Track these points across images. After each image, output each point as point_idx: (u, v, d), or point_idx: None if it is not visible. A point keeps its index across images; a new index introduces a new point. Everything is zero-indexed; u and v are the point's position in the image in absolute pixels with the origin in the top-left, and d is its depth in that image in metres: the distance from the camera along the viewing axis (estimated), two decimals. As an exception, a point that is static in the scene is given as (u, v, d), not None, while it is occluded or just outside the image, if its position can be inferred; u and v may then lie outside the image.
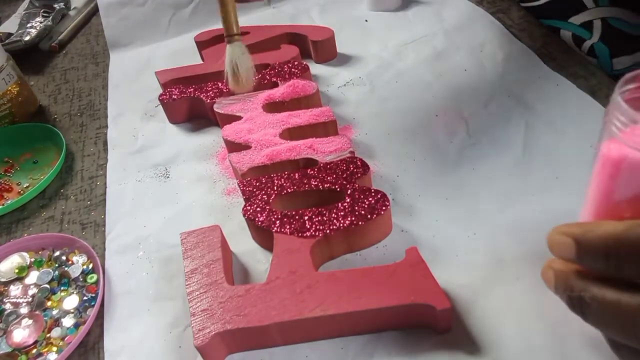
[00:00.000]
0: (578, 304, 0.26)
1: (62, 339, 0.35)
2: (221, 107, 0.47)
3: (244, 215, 0.37)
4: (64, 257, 0.40)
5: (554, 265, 0.28)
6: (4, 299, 0.38)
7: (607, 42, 0.50)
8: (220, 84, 0.50)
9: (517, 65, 0.49)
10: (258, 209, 0.37)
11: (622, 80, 0.25)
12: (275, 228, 0.36)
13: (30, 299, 0.38)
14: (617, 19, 0.48)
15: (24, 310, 0.37)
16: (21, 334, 0.36)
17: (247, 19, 0.65)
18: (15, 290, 0.39)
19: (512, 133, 0.43)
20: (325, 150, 0.40)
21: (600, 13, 0.49)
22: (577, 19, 0.51)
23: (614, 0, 0.48)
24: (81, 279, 0.39)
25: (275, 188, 0.38)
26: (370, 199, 0.36)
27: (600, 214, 0.27)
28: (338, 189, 0.37)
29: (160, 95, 0.51)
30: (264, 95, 0.47)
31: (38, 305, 0.37)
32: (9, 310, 0.37)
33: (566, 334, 0.30)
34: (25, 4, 0.77)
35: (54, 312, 0.37)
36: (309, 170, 0.39)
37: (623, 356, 0.28)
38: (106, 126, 0.54)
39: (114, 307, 0.37)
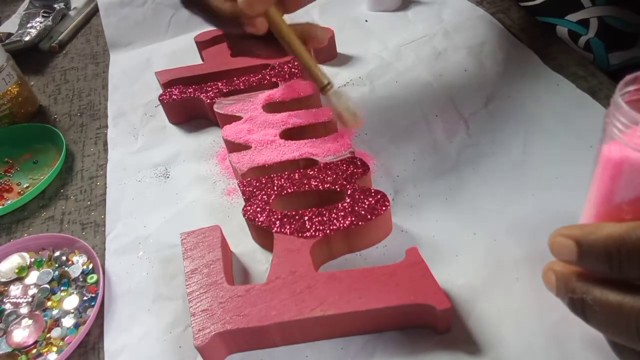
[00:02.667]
0: (580, 306, 0.26)
1: (62, 339, 0.35)
2: (221, 107, 0.47)
3: (244, 216, 0.37)
4: (64, 257, 0.40)
5: (555, 268, 0.28)
6: (4, 299, 0.38)
7: (602, 38, 0.50)
8: (220, 84, 0.50)
9: (517, 65, 0.49)
10: (258, 209, 0.37)
11: (623, 82, 0.25)
12: (275, 228, 0.36)
13: (30, 299, 0.38)
14: (614, 17, 0.48)
15: (24, 310, 0.37)
16: (21, 334, 0.36)
17: (247, 19, 0.65)
18: (15, 290, 0.39)
19: (512, 133, 0.43)
20: (325, 150, 0.40)
21: (596, 12, 0.49)
22: (573, 17, 0.51)
23: None
24: (81, 279, 0.39)
25: (275, 188, 0.38)
26: (370, 199, 0.36)
27: (602, 216, 0.27)
28: (338, 189, 0.37)
29: (160, 95, 0.51)
30: (264, 95, 0.47)
31: (38, 305, 0.37)
32: (9, 310, 0.37)
33: (566, 334, 0.30)
34: (25, 4, 0.77)
35: (54, 312, 0.37)
36: (309, 170, 0.39)
37: (625, 358, 0.28)
38: (106, 126, 0.54)
39: (114, 307, 0.37)
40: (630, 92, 0.25)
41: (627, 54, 0.50)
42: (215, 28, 0.41)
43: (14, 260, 0.41)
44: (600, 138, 0.26)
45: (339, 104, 0.39)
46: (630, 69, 0.26)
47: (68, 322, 0.36)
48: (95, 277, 0.39)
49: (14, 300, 0.38)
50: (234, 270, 0.37)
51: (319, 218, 0.36)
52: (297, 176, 0.39)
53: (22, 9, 0.77)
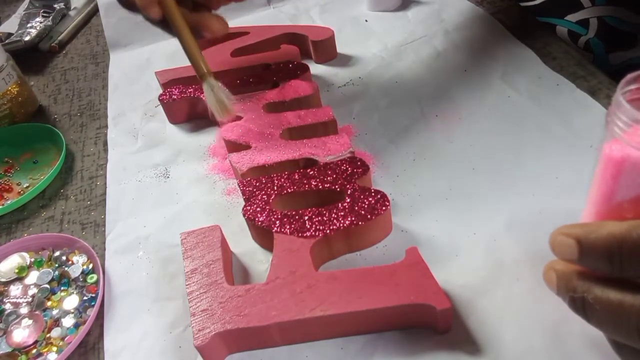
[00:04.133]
0: (580, 305, 0.26)
1: (62, 339, 0.35)
2: (221, 107, 0.47)
3: (244, 215, 0.37)
4: (64, 257, 0.40)
5: (556, 267, 0.28)
6: (4, 299, 0.38)
7: (602, 38, 0.50)
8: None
9: (517, 65, 0.49)
10: (258, 209, 0.37)
11: (624, 81, 0.25)
12: (275, 228, 0.36)
13: (30, 299, 0.38)
14: (613, 17, 0.48)
15: (24, 310, 0.37)
16: (21, 334, 0.36)
17: (247, 19, 0.65)
18: (15, 290, 0.39)
19: (512, 133, 0.43)
20: (325, 150, 0.40)
21: (596, 12, 0.49)
22: (573, 17, 0.51)
23: None
24: (81, 279, 0.39)
25: (275, 188, 0.38)
26: (370, 199, 0.36)
27: (603, 215, 0.27)
28: (338, 189, 0.37)
29: (160, 95, 0.51)
30: (264, 95, 0.47)
31: (38, 305, 0.37)
32: (9, 310, 0.37)
33: (566, 334, 0.30)
34: (25, 4, 0.77)
35: (54, 312, 0.37)
36: (309, 170, 0.39)
37: (625, 357, 0.28)
38: (106, 126, 0.54)
39: (114, 307, 0.37)
40: (631, 91, 0.25)
41: (627, 54, 0.50)
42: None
43: (14, 260, 0.41)
44: (601, 137, 0.26)
45: (210, 95, 0.41)
46: (630, 68, 0.26)
47: (68, 322, 0.36)
48: (95, 277, 0.39)
49: (14, 300, 0.38)
50: (234, 270, 0.37)
51: (319, 218, 0.36)
52: (297, 176, 0.39)
53: (22, 9, 0.77)
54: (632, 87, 0.25)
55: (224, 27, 0.43)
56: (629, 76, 0.25)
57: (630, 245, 0.24)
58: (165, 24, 0.41)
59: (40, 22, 0.71)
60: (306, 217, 0.36)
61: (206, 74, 0.41)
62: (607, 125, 0.25)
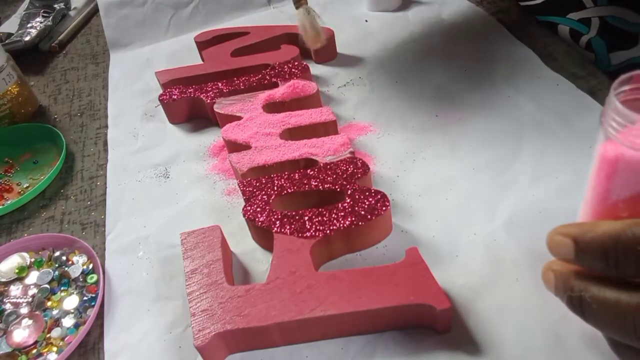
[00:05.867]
0: (578, 304, 0.27)
1: (62, 339, 0.35)
2: (221, 107, 0.47)
3: (244, 216, 0.37)
4: (64, 257, 0.40)
5: (554, 267, 0.29)
6: (4, 299, 0.38)
7: (603, 37, 0.50)
8: (220, 84, 0.50)
9: (517, 65, 0.49)
10: (258, 209, 0.37)
11: (617, 82, 0.25)
12: (276, 228, 0.36)
13: (30, 299, 0.38)
14: (615, 17, 0.48)
15: (24, 310, 0.37)
16: (21, 334, 0.36)
17: (247, 19, 0.65)
18: (15, 290, 0.39)
19: (512, 133, 0.43)
20: (325, 150, 0.41)
21: (598, 12, 0.49)
22: (575, 16, 0.51)
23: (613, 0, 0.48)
24: (81, 279, 0.39)
25: (275, 188, 0.38)
26: (370, 199, 0.36)
27: (598, 214, 0.28)
28: (338, 190, 0.37)
29: (160, 95, 0.51)
30: (264, 95, 0.47)
31: (38, 305, 0.37)
32: (9, 310, 0.37)
33: (566, 334, 0.30)
34: (25, 4, 0.77)
35: (54, 312, 0.37)
36: (309, 170, 0.39)
37: (623, 356, 0.28)
38: (106, 126, 0.54)
39: (114, 307, 0.37)
40: (625, 92, 0.26)
41: (628, 54, 0.50)
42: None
43: (14, 260, 0.41)
44: (596, 137, 0.27)
45: (306, 20, 0.41)
46: (631, 68, 0.26)
47: (68, 322, 0.36)
48: (95, 277, 0.39)
49: (14, 300, 0.38)
50: (234, 270, 0.37)
51: (319, 218, 0.36)
52: (297, 176, 0.39)
53: (22, 9, 0.77)
54: (625, 88, 0.26)
55: None
56: (622, 77, 0.25)
57: (625, 244, 0.24)
58: None
59: (41, 22, 0.71)
60: (306, 218, 0.36)
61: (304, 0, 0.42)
62: (602, 126, 0.26)
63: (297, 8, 0.42)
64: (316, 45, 0.42)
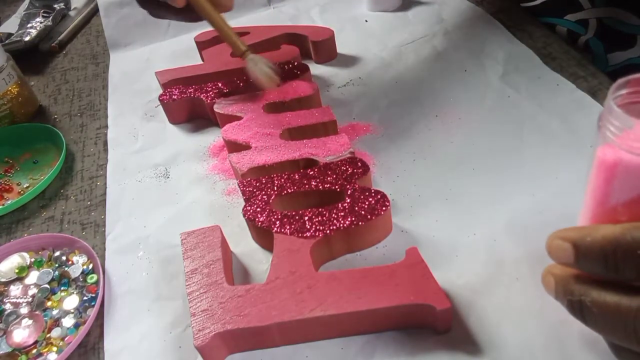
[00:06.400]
0: (578, 308, 0.26)
1: (62, 339, 0.35)
2: (221, 107, 0.47)
3: (244, 216, 0.37)
4: (64, 257, 0.40)
5: (554, 271, 0.29)
6: (4, 299, 0.38)
7: (601, 38, 0.50)
8: (220, 84, 0.50)
9: (517, 65, 0.49)
10: (258, 209, 0.37)
11: (615, 86, 0.26)
12: (276, 228, 0.36)
13: (30, 299, 0.38)
14: (613, 19, 0.48)
15: (24, 310, 0.37)
16: (21, 334, 0.36)
17: (247, 19, 0.65)
18: (15, 290, 0.39)
19: (512, 133, 0.43)
20: (325, 150, 0.41)
21: (596, 13, 0.49)
22: (572, 17, 0.51)
23: (610, 0, 0.48)
24: (81, 279, 0.39)
25: (275, 188, 0.38)
26: (370, 199, 0.36)
27: (598, 218, 0.28)
28: (338, 189, 0.37)
29: (160, 95, 0.51)
30: (264, 95, 0.47)
31: (38, 305, 0.37)
32: (9, 310, 0.37)
33: (566, 335, 0.30)
34: (25, 4, 0.77)
35: (54, 312, 0.37)
36: (309, 170, 0.39)
37: (623, 359, 0.28)
38: (106, 126, 0.54)
39: (114, 307, 0.37)
40: (622, 96, 0.26)
41: (626, 54, 0.50)
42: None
43: (14, 260, 0.41)
44: (594, 141, 0.27)
45: (256, 69, 0.44)
46: (629, 68, 0.26)
47: (68, 322, 0.36)
48: (95, 277, 0.39)
49: (14, 300, 0.38)
50: (234, 270, 0.37)
51: (319, 218, 0.36)
52: (297, 176, 0.39)
53: (22, 9, 0.77)
54: (623, 91, 0.26)
55: (232, 2, 0.46)
56: (620, 81, 0.26)
57: (624, 248, 0.24)
58: (187, 10, 0.43)
59: (41, 22, 0.71)
60: (306, 218, 0.36)
61: (247, 51, 0.44)
62: (600, 130, 0.26)
63: (243, 59, 0.45)
64: (272, 87, 0.46)
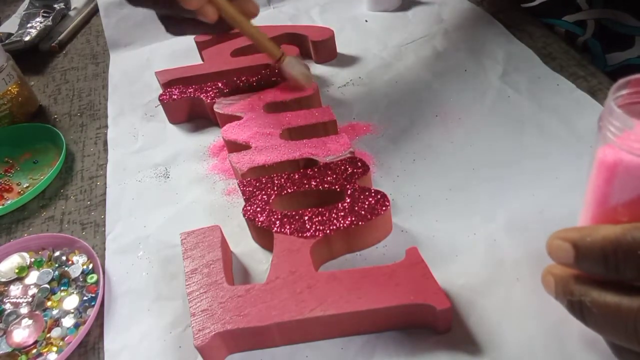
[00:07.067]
0: (578, 309, 0.26)
1: (62, 339, 0.35)
2: (221, 107, 0.47)
3: (244, 216, 0.37)
4: (64, 257, 0.40)
5: (554, 271, 0.29)
6: (4, 299, 0.38)
7: (599, 38, 0.50)
8: (220, 84, 0.50)
9: (517, 65, 0.49)
10: (258, 209, 0.37)
11: (615, 86, 0.26)
12: (275, 228, 0.36)
13: (30, 299, 0.38)
14: (610, 20, 0.48)
15: (24, 310, 0.37)
16: (21, 334, 0.36)
17: (247, 19, 0.65)
18: (15, 290, 0.39)
19: (512, 133, 0.43)
20: (325, 150, 0.40)
21: (593, 14, 0.49)
22: (570, 18, 0.51)
23: (608, 2, 0.48)
24: (81, 279, 0.39)
25: (275, 188, 0.38)
26: (370, 199, 0.36)
27: (598, 218, 0.28)
28: (338, 189, 0.37)
29: (160, 95, 0.51)
30: (264, 95, 0.47)
31: (38, 305, 0.37)
32: (9, 310, 0.37)
33: (566, 334, 0.30)
34: (25, 4, 0.77)
35: (54, 312, 0.37)
36: (309, 170, 0.39)
37: (623, 359, 0.28)
38: (106, 126, 0.54)
39: (114, 307, 0.37)
40: (623, 96, 0.26)
41: (624, 55, 0.50)
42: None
43: (14, 260, 0.41)
44: (595, 142, 0.27)
45: (294, 71, 0.45)
46: (627, 69, 0.26)
47: (68, 322, 0.36)
48: (95, 277, 0.39)
49: (14, 300, 0.38)
50: (234, 270, 0.37)
51: (319, 218, 0.36)
52: (297, 176, 0.39)
53: (22, 9, 0.77)
54: (623, 92, 0.26)
55: (257, 8, 0.45)
56: (620, 81, 0.26)
57: (624, 248, 0.24)
58: (217, 22, 0.42)
59: (40, 22, 0.71)
60: (306, 217, 0.36)
61: (282, 54, 0.45)
62: (600, 130, 0.26)
63: (280, 64, 0.45)
64: (310, 86, 0.46)
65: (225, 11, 0.42)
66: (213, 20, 0.41)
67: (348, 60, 0.55)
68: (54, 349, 0.35)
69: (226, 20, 0.42)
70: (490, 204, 0.38)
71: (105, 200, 0.45)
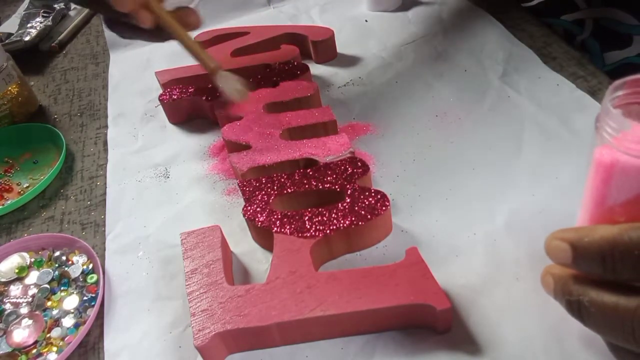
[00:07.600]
0: (577, 308, 0.27)
1: (62, 339, 0.35)
2: (221, 107, 0.47)
3: (244, 216, 0.37)
4: (64, 257, 0.40)
5: (553, 271, 0.29)
6: (4, 299, 0.38)
7: (597, 38, 0.50)
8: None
9: (517, 65, 0.49)
10: (258, 209, 0.37)
11: (612, 87, 0.26)
12: (276, 228, 0.36)
13: (30, 299, 0.38)
14: (608, 19, 0.49)
15: (24, 310, 0.37)
16: (21, 334, 0.36)
17: (247, 19, 0.65)
18: (15, 290, 0.39)
19: (512, 133, 0.43)
20: (325, 150, 0.40)
21: (592, 13, 0.49)
22: (569, 17, 0.51)
23: (606, 1, 0.48)
24: (81, 279, 0.39)
25: (275, 188, 0.38)
26: (370, 199, 0.36)
27: (595, 219, 0.28)
28: (338, 189, 0.37)
29: (160, 95, 0.51)
30: (264, 95, 0.47)
31: (38, 305, 0.37)
32: (9, 310, 0.37)
33: (566, 334, 0.30)
34: (25, 4, 0.77)
35: (54, 312, 0.37)
36: (309, 170, 0.39)
37: (622, 359, 0.28)
38: (106, 126, 0.54)
39: (114, 307, 0.37)
40: (619, 97, 0.26)
41: (622, 54, 0.50)
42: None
43: (14, 260, 0.41)
44: (592, 142, 0.27)
45: (226, 86, 0.45)
46: (625, 68, 0.26)
47: (68, 322, 0.36)
48: (95, 277, 0.39)
49: (14, 300, 0.38)
50: (234, 270, 0.37)
51: (319, 218, 0.36)
52: (297, 176, 0.39)
53: (22, 9, 0.77)
54: (620, 93, 0.26)
55: (199, 21, 0.46)
56: (616, 82, 0.26)
57: (622, 248, 0.24)
58: (155, 30, 0.43)
59: (41, 22, 0.71)
60: (306, 217, 0.36)
61: (216, 67, 0.44)
62: (597, 131, 0.26)
63: (212, 74, 0.45)
64: (243, 101, 0.46)
65: (161, 18, 0.42)
66: (149, 26, 0.42)
67: (348, 61, 0.55)
68: (54, 349, 0.35)
69: (164, 28, 0.43)
70: (490, 203, 0.38)
71: (105, 200, 0.45)
